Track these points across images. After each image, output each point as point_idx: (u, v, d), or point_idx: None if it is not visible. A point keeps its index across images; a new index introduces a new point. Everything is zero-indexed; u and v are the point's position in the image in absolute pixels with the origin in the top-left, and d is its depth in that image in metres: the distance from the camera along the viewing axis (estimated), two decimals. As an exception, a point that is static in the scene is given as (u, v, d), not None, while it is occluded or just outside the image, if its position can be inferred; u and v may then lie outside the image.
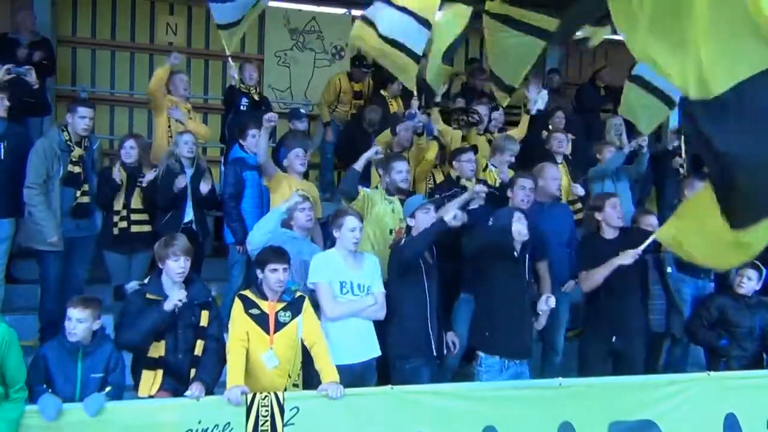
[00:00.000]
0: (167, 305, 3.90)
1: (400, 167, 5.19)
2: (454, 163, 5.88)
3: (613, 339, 4.77)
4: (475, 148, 6.16)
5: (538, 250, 4.94)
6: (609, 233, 4.93)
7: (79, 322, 3.77)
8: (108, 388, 3.78)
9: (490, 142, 6.69)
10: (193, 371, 3.95)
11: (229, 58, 6.51)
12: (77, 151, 5.41)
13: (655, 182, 7.19)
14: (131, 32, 8.92)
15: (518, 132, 6.94)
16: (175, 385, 3.95)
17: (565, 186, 6.13)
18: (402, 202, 5.09)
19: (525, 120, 7.04)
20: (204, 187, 5.52)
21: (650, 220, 5.14)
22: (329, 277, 4.34)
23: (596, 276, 4.74)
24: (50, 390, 3.69)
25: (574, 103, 8.58)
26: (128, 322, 3.96)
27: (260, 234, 4.62)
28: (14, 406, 3.54)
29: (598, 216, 4.95)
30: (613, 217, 4.90)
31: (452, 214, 4.36)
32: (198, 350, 4.01)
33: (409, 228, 4.72)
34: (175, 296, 3.92)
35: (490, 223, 4.78)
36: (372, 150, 5.16)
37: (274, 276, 4.01)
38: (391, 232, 5.05)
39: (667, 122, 7.21)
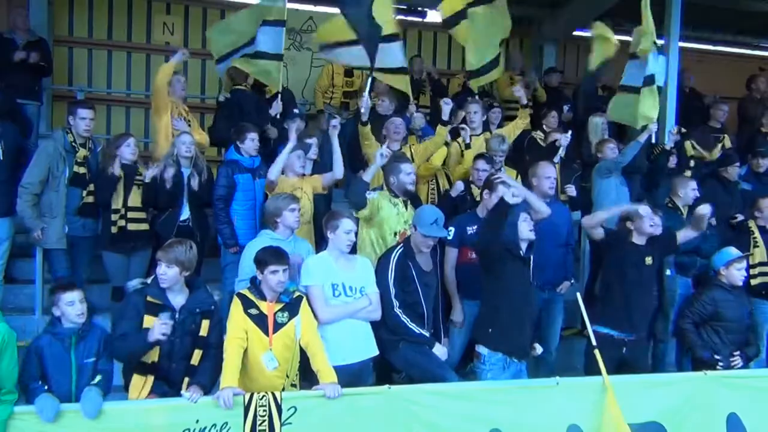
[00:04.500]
0: (150, 336, 3.79)
1: (408, 169, 5.14)
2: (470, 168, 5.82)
3: (624, 350, 4.78)
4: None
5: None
6: (638, 240, 4.98)
7: (81, 303, 3.81)
8: (98, 378, 3.77)
9: (468, 146, 6.51)
10: (187, 380, 3.91)
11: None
12: (82, 152, 5.53)
13: (649, 183, 7.19)
14: (128, 32, 8.93)
15: (511, 128, 6.73)
16: (165, 390, 3.90)
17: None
18: (405, 204, 5.09)
19: (524, 115, 6.81)
20: (193, 181, 5.52)
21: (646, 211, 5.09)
22: (321, 279, 4.33)
23: (600, 216, 5.00)
24: (46, 387, 3.70)
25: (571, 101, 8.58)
26: (122, 329, 3.90)
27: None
28: (2, 408, 3.54)
29: (630, 225, 4.99)
30: (645, 224, 4.93)
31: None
32: (195, 359, 3.97)
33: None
34: (157, 330, 3.79)
35: (473, 230, 4.83)
36: (378, 155, 5.04)
37: (274, 277, 4.01)
38: (395, 234, 5.01)
39: (665, 122, 7.21)
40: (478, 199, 5.56)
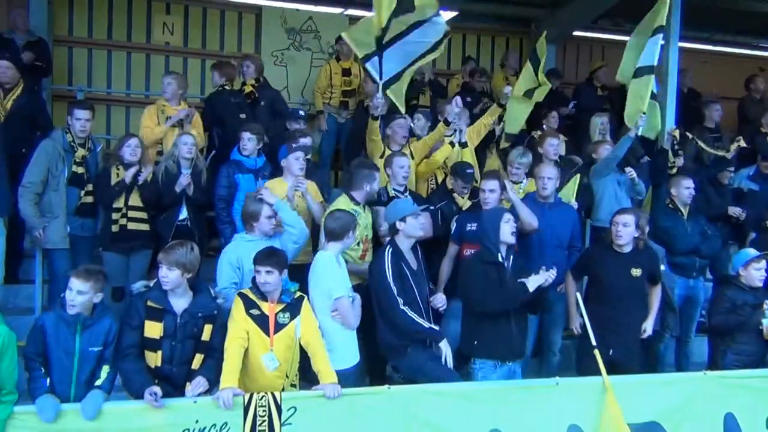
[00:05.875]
0: (146, 395, 3.68)
1: (378, 177, 5.16)
2: (453, 176, 5.72)
3: (611, 352, 4.75)
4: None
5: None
6: (621, 248, 4.99)
7: (79, 294, 3.73)
8: (103, 375, 3.77)
9: (465, 144, 6.36)
10: (188, 386, 3.85)
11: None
12: (80, 152, 5.53)
13: (651, 183, 7.19)
14: (128, 32, 8.91)
15: (479, 126, 6.63)
16: (168, 391, 3.83)
17: None
18: (364, 208, 5.11)
19: (494, 111, 6.64)
20: (188, 189, 5.50)
21: (625, 219, 4.98)
22: (345, 290, 4.36)
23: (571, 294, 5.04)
24: (48, 378, 3.71)
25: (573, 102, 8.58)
26: (126, 339, 3.87)
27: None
28: (2, 408, 3.55)
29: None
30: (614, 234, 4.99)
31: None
32: (196, 364, 3.94)
33: (396, 231, 4.60)
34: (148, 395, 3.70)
35: (473, 227, 4.82)
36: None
37: (258, 277, 4.00)
38: (358, 243, 4.98)
39: (664, 123, 7.20)
40: (464, 208, 5.54)
